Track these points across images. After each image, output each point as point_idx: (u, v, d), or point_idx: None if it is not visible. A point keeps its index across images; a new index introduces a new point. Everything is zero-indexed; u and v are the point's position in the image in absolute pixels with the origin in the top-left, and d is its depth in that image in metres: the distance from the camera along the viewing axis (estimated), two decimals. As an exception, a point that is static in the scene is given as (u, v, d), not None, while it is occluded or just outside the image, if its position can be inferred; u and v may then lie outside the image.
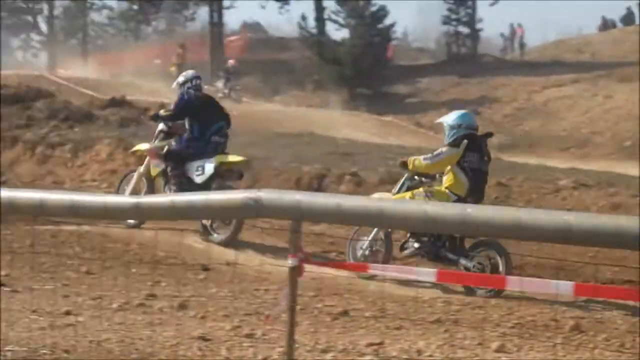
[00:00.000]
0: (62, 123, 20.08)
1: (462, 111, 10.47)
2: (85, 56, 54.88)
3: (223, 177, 11.39)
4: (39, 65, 54.78)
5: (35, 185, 17.24)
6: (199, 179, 11.40)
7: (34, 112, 21.08)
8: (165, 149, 11.89)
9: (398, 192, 10.10)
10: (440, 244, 9.78)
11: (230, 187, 10.53)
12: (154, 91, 31.04)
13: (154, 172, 11.96)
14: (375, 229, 9.72)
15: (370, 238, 9.95)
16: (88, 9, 59.33)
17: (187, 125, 11.91)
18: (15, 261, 8.17)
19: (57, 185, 17.33)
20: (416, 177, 10.17)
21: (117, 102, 22.38)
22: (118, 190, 12.27)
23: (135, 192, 11.76)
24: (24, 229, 9.25)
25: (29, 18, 63.86)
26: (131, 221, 10.60)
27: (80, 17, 59.44)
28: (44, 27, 61.78)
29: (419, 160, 10.01)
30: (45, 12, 61.26)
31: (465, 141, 9.73)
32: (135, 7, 52.53)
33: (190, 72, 12.72)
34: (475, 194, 9.78)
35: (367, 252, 9.99)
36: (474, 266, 9.42)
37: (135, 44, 55.78)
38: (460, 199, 9.60)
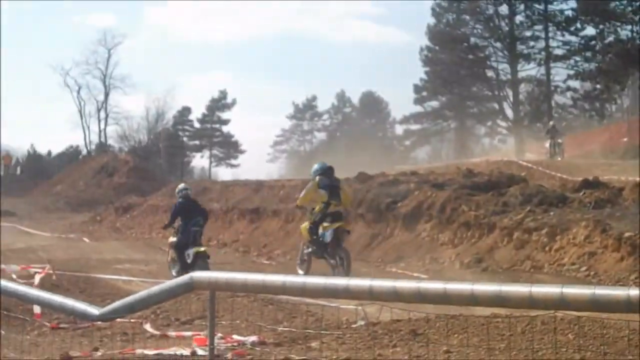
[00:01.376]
0: (537, 207, 20.05)
1: (318, 163, 17.35)
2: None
3: (200, 259, 17.35)
4: (506, 151, 55.95)
5: (514, 272, 17.36)
6: (188, 261, 17.50)
7: (508, 197, 21.36)
8: (170, 242, 18.46)
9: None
10: (322, 249, 16.32)
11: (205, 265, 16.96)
12: (624, 170, 30.10)
13: (170, 257, 18.45)
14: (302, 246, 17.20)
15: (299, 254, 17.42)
16: (553, 92, 59.68)
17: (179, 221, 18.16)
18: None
19: (536, 270, 17.28)
20: (313, 209, 16.57)
21: (590, 184, 21.92)
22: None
23: (172, 260, 18.37)
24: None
25: (495, 105, 65.71)
26: (174, 273, 17.67)
27: (544, 100, 59.99)
28: (509, 113, 63.15)
29: (299, 199, 17.15)
30: (510, 98, 62.68)
31: (317, 177, 16.57)
32: (599, 86, 51.79)
33: (180, 186, 19.32)
34: (333, 198, 16.35)
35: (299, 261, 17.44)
36: (334, 261, 16.09)
37: (599, 124, 54.95)
38: (325, 203, 16.22)
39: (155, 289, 5.33)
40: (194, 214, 18.19)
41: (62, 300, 5.95)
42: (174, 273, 18.08)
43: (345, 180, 27.63)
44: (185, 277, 5.07)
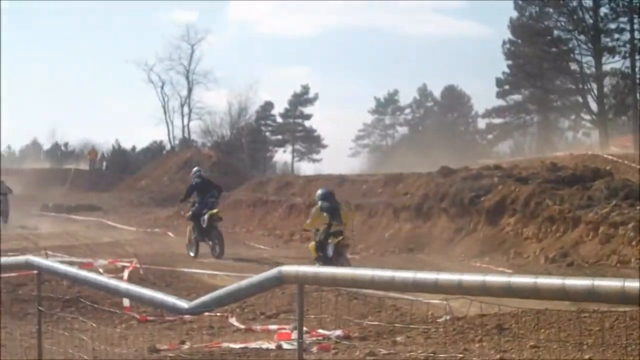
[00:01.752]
0: (623, 201, 19.72)
1: (320, 189, 19.02)
2: (636, 132, 54.07)
3: (213, 221, 21.18)
4: (590, 144, 55.02)
5: (600, 267, 17.08)
6: (204, 225, 21.16)
7: (593, 191, 21.04)
8: (188, 215, 22.21)
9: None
10: (328, 262, 17.45)
11: (216, 228, 21.43)
12: None
13: (187, 239, 21.93)
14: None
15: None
16: (638, 85, 58.41)
17: (196, 196, 21.95)
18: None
19: (623, 265, 16.98)
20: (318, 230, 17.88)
21: (677, 178, 21.50)
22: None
23: (189, 240, 21.82)
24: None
25: (579, 98, 64.63)
26: (192, 253, 21.56)
27: (629, 94, 58.76)
28: (593, 106, 62.02)
29: (307, 224, 18.86)
30: (595, 91, 61.57)
31: (319, 202, 17.99)
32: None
33: (194, 169, 23.42)
34: (334, 219, 17.62)
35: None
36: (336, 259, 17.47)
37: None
38: (328, 224, 17.57)
39: (244, 282, 5.39)
40: (209, 189, 21.96)
41: (151, 294, 6.06)
42: (191, 254, 21.61)
43: (427, 175, 27.69)
44: (273, 271, 5.13)
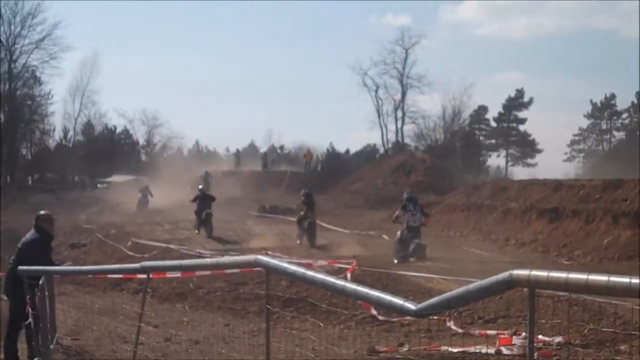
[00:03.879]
0: None
1: (304, 189, 31.82)
2: None
3: (208, 216, 31.91)
4: None
5: None
6: (202, 218, 32.07)
7: None
8: (195, 210, 33.16)
9: None
10: (304, 231, 29.07)
11: (209, 220, 32.27)
12: None
13: (196, 219, 33.29)
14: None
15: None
16: None
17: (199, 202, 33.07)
18: None
19: None
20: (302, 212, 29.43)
21: None
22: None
23: (196, 225, 33.47)
24: None
25: None
26: (196, 231, 33.23)
27: None
28: None
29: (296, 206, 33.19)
30: None
31: (303, 197, 29.52)
32: None
33: (199, 186, 36.52)
34: (310, 209, 28.88)
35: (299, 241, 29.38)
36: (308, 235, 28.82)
37: None
38: (305, 212, 28.86)
39: (473, 286, 5.41)
40: (205, 198, 32.80)
41: (379, 295, 6.19)
42: (196, 232, 32.63)
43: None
44: (504, 275, 5.12)
